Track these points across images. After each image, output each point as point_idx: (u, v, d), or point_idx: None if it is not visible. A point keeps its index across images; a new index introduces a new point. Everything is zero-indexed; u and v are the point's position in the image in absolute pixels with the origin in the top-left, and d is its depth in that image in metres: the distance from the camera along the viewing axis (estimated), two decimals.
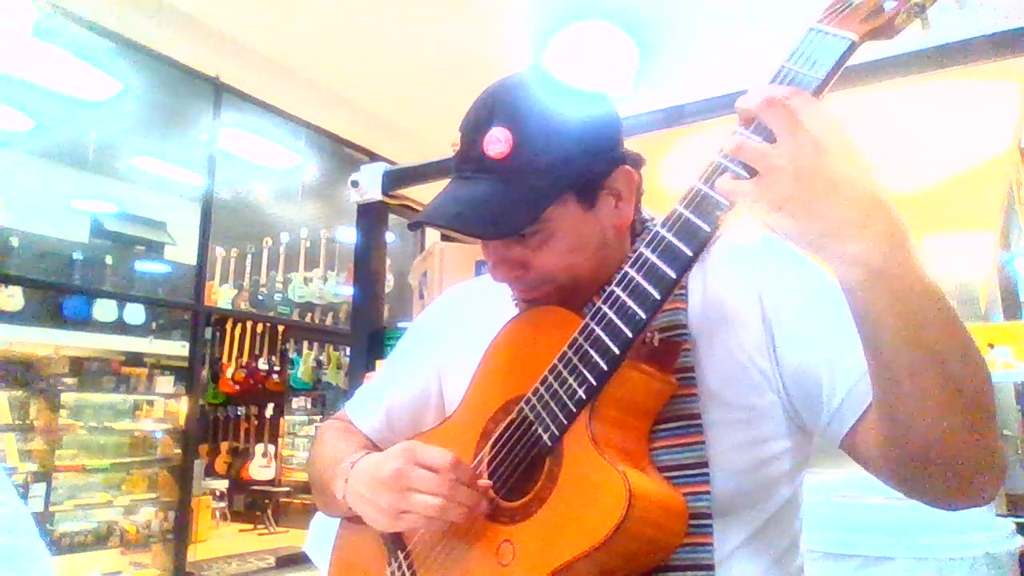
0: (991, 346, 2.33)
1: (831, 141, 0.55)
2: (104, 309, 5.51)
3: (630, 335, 0.64)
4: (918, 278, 0.56)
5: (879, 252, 0.54)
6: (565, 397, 0.68)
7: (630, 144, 0.81)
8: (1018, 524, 1.67)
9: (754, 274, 0.75)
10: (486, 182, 0.72)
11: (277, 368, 7.37)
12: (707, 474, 0.69)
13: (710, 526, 0.68)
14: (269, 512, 7.65)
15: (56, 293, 5.43)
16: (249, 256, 6.31)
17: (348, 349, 5.71)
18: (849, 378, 0.67)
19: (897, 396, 0.59)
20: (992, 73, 1.46)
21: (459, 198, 0.73)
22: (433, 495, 0.69)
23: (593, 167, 0.74)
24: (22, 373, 5.32)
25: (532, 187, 0.70)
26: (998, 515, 1.75)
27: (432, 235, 3.37)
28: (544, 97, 0.74)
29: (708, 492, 0.68)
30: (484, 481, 0.72)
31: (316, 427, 7.92)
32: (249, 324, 7.01)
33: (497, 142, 0.71)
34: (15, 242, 5.02)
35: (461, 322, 0.93)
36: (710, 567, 0.67)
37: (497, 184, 0.71)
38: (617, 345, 0.65)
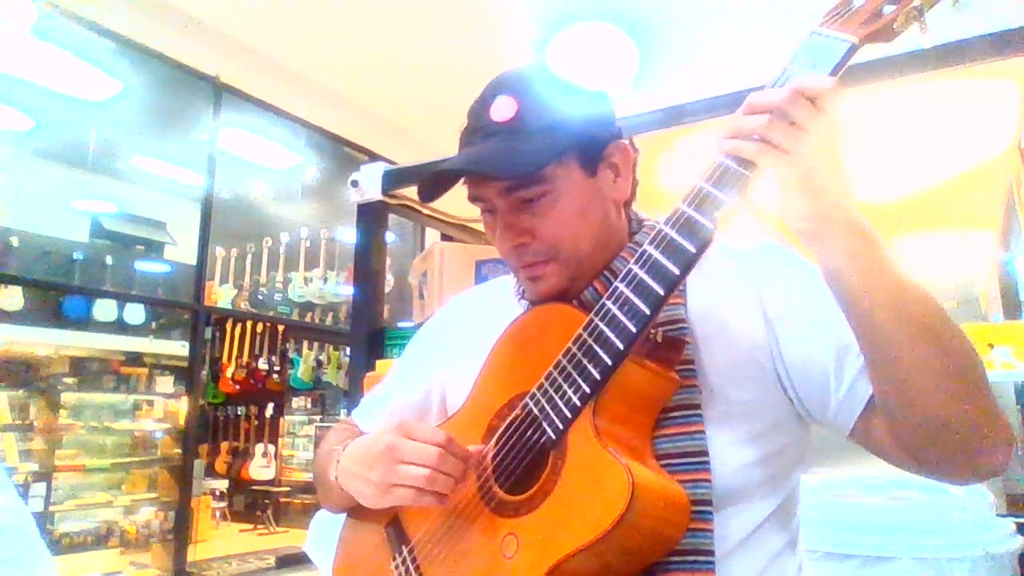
0: (991, 346, 2.32)
1: (837, 139, 0.62)
2: (104, 309, 5.50)
3: (634, 330, 0.65)
4: (893, 261, 0.62)
5: (861, 235, 0.62)
6: (570, 392, 0.68)
7: None
8: (1018, 524, 1.67)
9: (754, 275, 0.77)
10: (493, 142, 0.75)
11: (277, 368, 7.36)
12: (707, 462, 0.70)
13: (710, 513, 0.69)
14: (269, 512, 7.65)
15: (56, 293, 5.43)
16: (249, 256, 6.30)
17: (348, 349, 5.72)
18: (853, 368, 0.70)
19: (899, 371, 0.62)
20: (992, 72, 1.46)
21: (467, 153, 0.77)
22: (421, 466, 0.70)
23: (593, 132, 0.78)
24: (22, 373, 5.32)
25: (537, 142, 0.74)
26: (998, 515, 1.75)
27: (432, 235, 3.36)
28: (545, 73, 0.79)
29: (708, 480, 0.69)
30: (476, 446, 0.74)
31: (316, 427, 7.92)
32: (249, 324, 7.00)
33: (502, 107, 0.75)
34: (15, 242, 5.01)
35: (464, 328, 0.95)
36: (710, 552, 0.68)
37: (503, 141, 0.74)
38: (621, 340, 0.66)
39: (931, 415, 0.62)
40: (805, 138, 0.60)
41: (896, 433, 0.66)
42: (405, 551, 0.81)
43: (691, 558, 0.68)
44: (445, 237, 2.42)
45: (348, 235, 5.77)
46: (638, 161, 0.83)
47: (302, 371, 7.51)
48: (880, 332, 0.62)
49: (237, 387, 7.23)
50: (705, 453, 0.70)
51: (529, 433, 0.72)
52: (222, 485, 7.58)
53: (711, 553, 0.68)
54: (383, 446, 0.74)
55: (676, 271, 0.64)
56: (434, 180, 0.78)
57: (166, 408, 5.73)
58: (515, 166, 0.73)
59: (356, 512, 0.90)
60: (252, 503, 7.87)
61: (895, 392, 0.64)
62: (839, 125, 0.62)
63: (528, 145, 0.73)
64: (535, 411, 0.72)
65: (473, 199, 0.81)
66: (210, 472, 7.48)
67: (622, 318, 0.66)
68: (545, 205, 0.76)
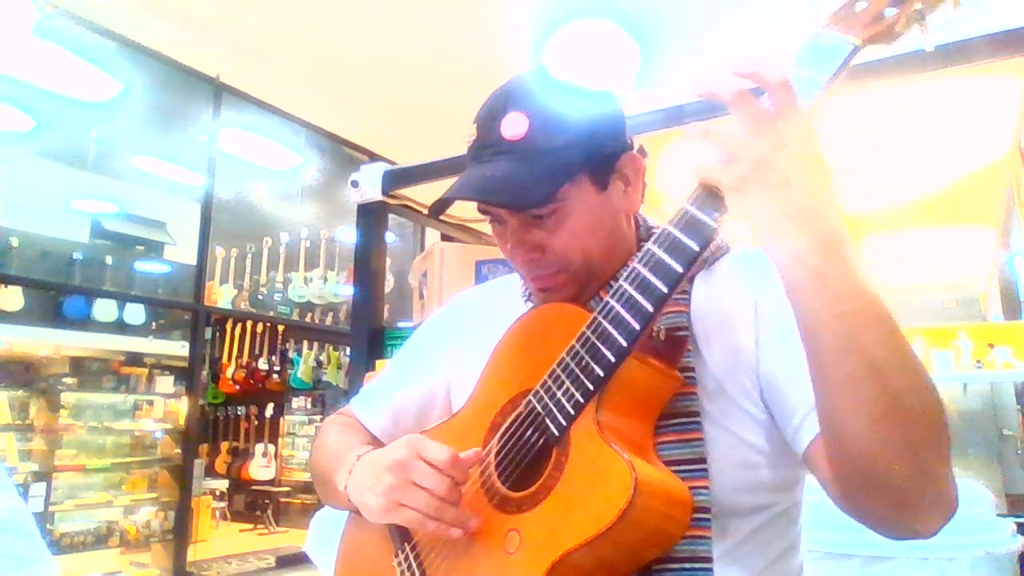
0: (991, 346, 2.33)
1: (794, 145, 0.59)
2: (104, 309, 5.51)
3: (637, 328, 0.66)
4: (856, 284, 0.57)
5: (817, 252, 0.57)
6: (573, 388, 0.69)
7: None
8: (1018, 524, 1.67)
9: (753, 283, 0.77)
10: (505, 162, 0.74)
11: (277, 368, 7.37)
12: (706, 469, 0.70)
13: (709, 520, 0.69)
14: (269, 512, 7.65)
15: (56, 293, 5.43)
16: (249, 256, 6.30)
17: (348, 349, 5.71)
18: (812, 397, 0.67)
19: (835, 404, 0.60)
20: (994, 68, 1.46)
21: (481, 176, 0.76)
22: (432, 493, 0.70)
23: (604, 147, 0.77)
24: (22, 373, 5.32)
25: (549, 164, 0.73)
26: (998, 515, 1.75)
27: (432, 235, 3.36)
28: (555, 85, 0.78)
29: (707, 487, 0.69)
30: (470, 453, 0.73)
31: (316, 427, 7.92)
32: (249, 324, 7.01)
33: (513, 124, 0.74)
34: (15, 242, 5.02)
35: (470, 325, 0.95)
36: (708, 559, 0.68)
37: (515, 163, 0.74)
38: (624, 337, 0.66)
39: (863, 458, 0.59)
40: (742, 143, 0.60)
41: (833, 468, 0.64)
42: (407, 548, 0.81)
43: (688, 565, 0.68)
44: (445, 237, 2.42)
45: (348, 235, 5.78)
46: (646, 167, 0.83)
47: (302, 371, 7.51)
48: (821, 360, 0.59)
49: (237, 387, 7.23)
50: (703, 460, 0.70)
51: (532, 430, 0.72)
52: (222, 485, 7.59)
53: (709, 560, 0.68)
54: (393, 462, 0.73)
55: (679, 269, 0.64)
56: (444, 203, 0.79)
57: (166, 408, 5.73)
58: (528, 195, 0.73)
59: (356, 510, 0.90)
60: (252, 503, 7.88)
61: (832, 424, 0.62)
62: (795, 141, 0.59)
63: (540, 169, 0.73)
64: (538, 408, 0.72)
65: (482, 211, 0.81)
66: (210, 472, 7.49)
67: (625, 315, 0.66)
68: (556, 221, 0.76)
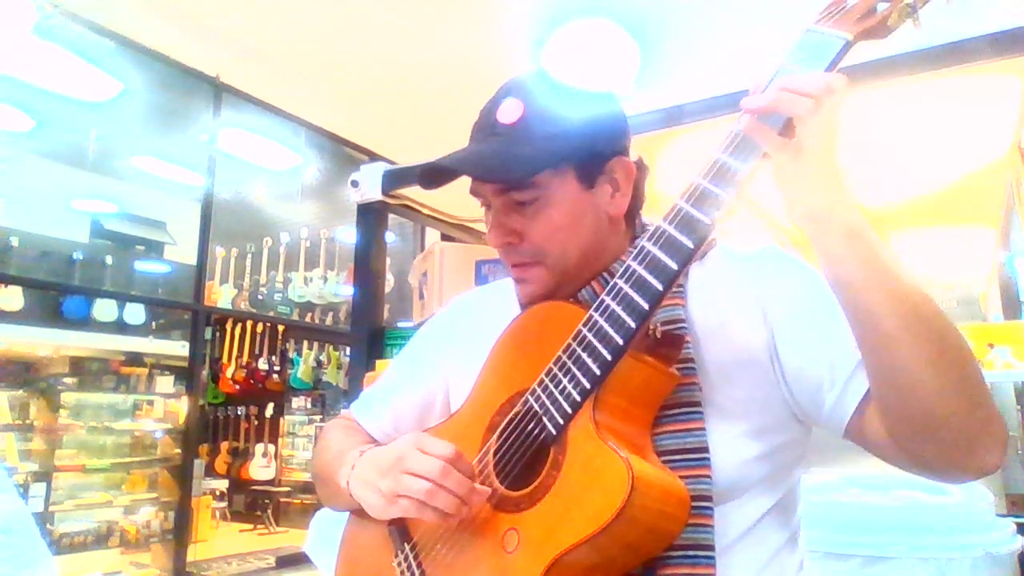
0: (991, 346, 2.32)
1: (838, 128, 0.64)
2: (104, 309, 5.51)
3: (633, 326, 0.66)
4: (880, 243, 0.62)
5: (852, 211, 0.63)
6: (569, 387, 0.69)
7: None
8: (1018, 524, 1.67)
9: (756, 279, 0.78)
10: (495, 142, 0.77)
11: (277, 368, 7.37)
12: (707, 459, 0.70)
13: (711, 508, 0.69)
14: (269, 512, 7.66)
15: (56, 293, 5.43)
16: (249, 256, 6.31)
17: (348, 349, 5.72)
18: (847, 368, 0.70)
19: (895, 355, 0.62)
20: (994, 68, 1.46)
21: (467, 151, 0.79)
22: (425, 478, 0.70)
23: (595, 146, 0.78)
24: (22, 373, 5.33)
25: (535, 148, 0.75)
26: (998, 515, 1.75)
27: (432, 235, 3.36)
28: (556, 81, 0.80)
29: (708, 476, 0.70)
30: (483, 488, 0.73)
31: (316, 427, 7.92)
32: (249, 324, 7.01)
33: (509, 110, 0.77)
34: (15, 242, 5.02)
35: (469, 328, 0.95)
36: (710, 547, 0.69)
37: (503, 144, 0.76)
38: (621, 336, 0.66)
39: (929, 407, 0.62)
40: (814, 121, 0.62)
41: (892, 428, 0.66)
42: (407, 548, 0.81)
43: (691, 552, 0.68)
44: (445, 237, 2.42)
45: (348, 235, 5.78)
46: (643, 179, 0.83)
47: (302, 371, 7.51)
48: (880, 324, 0.62)
49: (237, 387, 7.23)
50: (705, 449, 0.71)
51: (530, 429, 0.73)
52: (222, 485, 7.59)
53: (711, 548, 0.69)
54: (394, 457, 0.74)
55: (674, 266, 0.65)
56: (431, 174, 0.81)
57: (166, 408, 5.73)
58: (506, 171, 0.75)
59: (360, 511, 0.90)
60: (252, 503, 7.89)
61: (894, 384, 0.64)
62: (839, 123, 0.63)
63: (525, 151, 0.75)
64: (535, 407, 0.72)
65: (473, 193, 0.83)
66: (210, 472, 7.49)
67: (621, 313, 0.67)
68: (536, 209, 0.77)
